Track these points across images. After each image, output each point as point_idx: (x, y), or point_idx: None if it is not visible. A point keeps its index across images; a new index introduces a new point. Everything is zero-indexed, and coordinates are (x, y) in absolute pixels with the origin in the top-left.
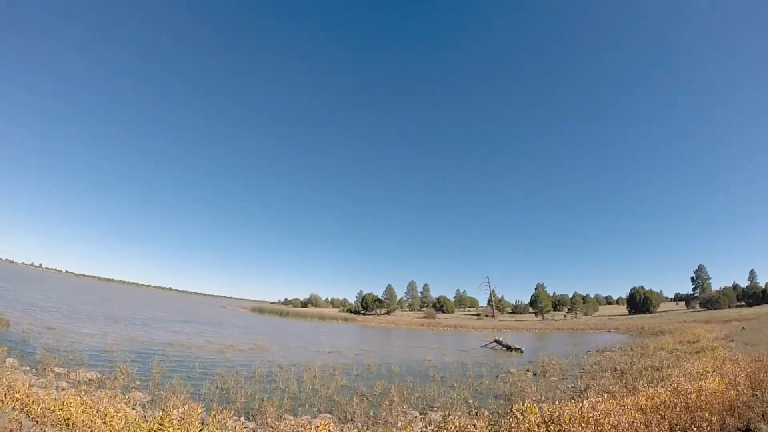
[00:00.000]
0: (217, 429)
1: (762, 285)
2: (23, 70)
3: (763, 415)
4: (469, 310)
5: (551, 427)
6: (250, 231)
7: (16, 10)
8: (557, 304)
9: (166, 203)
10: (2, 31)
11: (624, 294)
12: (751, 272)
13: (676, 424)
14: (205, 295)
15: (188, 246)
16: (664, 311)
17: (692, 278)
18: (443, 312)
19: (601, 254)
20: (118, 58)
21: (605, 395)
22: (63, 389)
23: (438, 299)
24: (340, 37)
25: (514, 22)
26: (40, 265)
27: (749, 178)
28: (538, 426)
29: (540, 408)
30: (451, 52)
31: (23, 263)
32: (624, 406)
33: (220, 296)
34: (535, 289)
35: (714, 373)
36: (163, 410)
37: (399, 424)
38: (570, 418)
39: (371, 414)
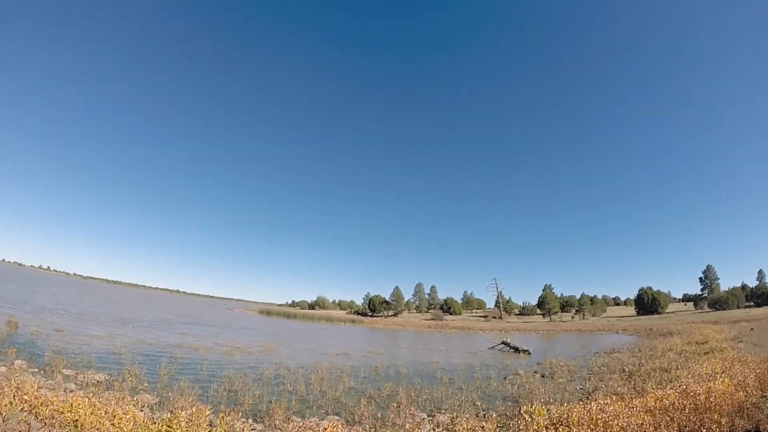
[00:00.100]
0: (225, 431)
1: None
2: (39, 73)
3: None
4: (476, 312)
5: (560, 429)
6: (257, 233)
7: (16, 10)
8: (565, 305)
9: (173, 206)
10: (2, 31)
11: (632, 295)
12: (760, 272)
13: (685, 426)
14: (212, 297)
15: (196, 248)
16: (672, 312)
17: (700, 278)
18: (450, 314)
19: (608, 255)
20: (122, 60)
21: (613, 397)
22: (71, 391)
23: (445, 301)
24: (346, 41)
25: (519, 23)
26: (48, 267)
27: (758, 177)
28: (547, 428)
29: (548, 410)
30: (456, 54)
31: (31, 266)
32: (632, 407)
33: (227, 298)
34: (543, 290)
35: (723, 375)
36: (172, 412)
37: (407, 426)
38: (578, 420)
39: (379, 416)
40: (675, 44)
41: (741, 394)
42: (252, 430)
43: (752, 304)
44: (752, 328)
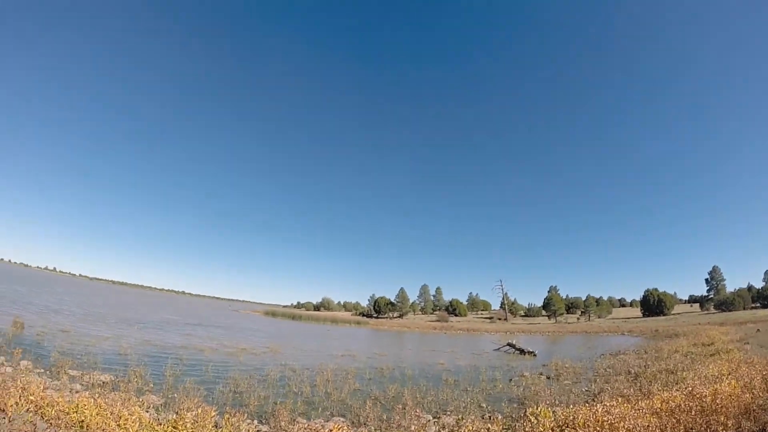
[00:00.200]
0: None
1: None
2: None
3: None
4: (481, 314)
5: (565, 431)
6: (263, 235)
7: (16, 10)
8: (570, 306)
9: (180, 208)
10: (2, 31)
11: (637, 296)
12: (766, 273)
13: (692, 428)
14: (217, 298)
15: (202, 250)
16: (678, 313)
17: (706, 280)
18: (456, 315)
19: (614, 256)
20: (122, 61)
21: (619, 399)
22: (77, 392)
23: (451, 302)
24: (347, 43)
25: (522, 23)
26: (54, 268)
27: (764, 179)
28: (552, 430)
29: (554, 412)
30: (460, 56)
31: (37, 267)
32: (639, 409)
33: (232, 300)
34: (548, 291)
35: (729, 376)
36: (177, 413)
37: (412, 428)
38: (584, 422)
39: (384, 418)
40: (683, 48)
41: (747, 396)
42: (257, 431)
43: (758, 305)
44: (758, 330)
